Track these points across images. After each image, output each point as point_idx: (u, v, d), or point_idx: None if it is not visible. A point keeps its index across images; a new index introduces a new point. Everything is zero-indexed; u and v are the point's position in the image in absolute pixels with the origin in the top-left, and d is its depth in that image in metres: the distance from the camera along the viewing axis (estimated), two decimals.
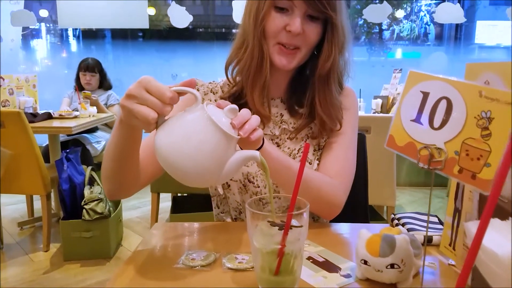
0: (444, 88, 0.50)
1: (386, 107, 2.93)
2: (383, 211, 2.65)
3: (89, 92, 3.34)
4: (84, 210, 2.42)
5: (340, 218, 1.03)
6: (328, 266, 0.74)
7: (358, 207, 1.30)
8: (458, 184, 0.73)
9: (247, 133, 0.71)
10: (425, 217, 0.92)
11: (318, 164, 1.04)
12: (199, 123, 0.65)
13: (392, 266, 0.64)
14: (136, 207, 3.44)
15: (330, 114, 1.00)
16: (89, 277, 2.32)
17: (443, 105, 0.51)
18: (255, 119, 0.74)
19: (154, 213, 2.51)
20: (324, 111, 0.99)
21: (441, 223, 0.90)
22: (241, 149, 0.76)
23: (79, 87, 3.52)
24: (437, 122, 0.52)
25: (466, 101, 0.48)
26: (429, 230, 0.86)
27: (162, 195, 2.66)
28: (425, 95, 0.53)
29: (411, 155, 0.55)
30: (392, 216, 0.94)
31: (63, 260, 2.48)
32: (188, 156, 0.64)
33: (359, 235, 0.69)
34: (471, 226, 0.54)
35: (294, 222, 0.62)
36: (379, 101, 2.95)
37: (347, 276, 0.71)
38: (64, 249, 2.48)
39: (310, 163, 1.03)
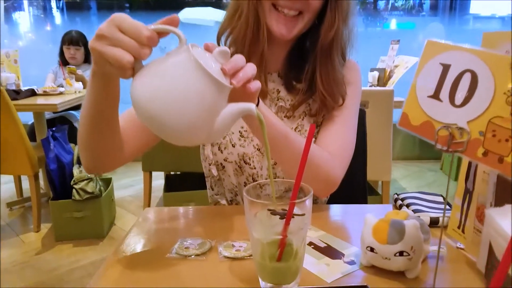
0: (469, 60, 0.44)
1: (383, 80, 2.85)
2: (377, 186, 2.62)
3: (74, 67, 3.20)
4: (74, 190, 2.36)
5: (337, 197, 0.99)
6: (331, 252, 0.70)
7: (356, 186, 1.25)
8: (469, 164, 0.69)
9: (240, 82, 0.61)
10: (430, 197, 0.88)
11: (315, 140, 0.98)
12: (183, 68, 0.55)
13: (401, 253, 0.60)
14: (128, 185, 3.39)
15: (331, 89, 0.93)
16: (82, 257, 2.29)
17: (466, 79, 0.45)
18: (251, 67, 0.64)
19: (147, 193, 2.46)
20: (325, 86, 0.92)
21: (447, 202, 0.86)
22: None
23: (64, 62, 3.38)
24: (459, 98, 0.46)
25: (494, 75, 0.43)
26: (433, 210, 0.82)
27: (154, 173, 2.61)
28: (446, 67, 0.47)
29: (427, 136, 0.50)
30: (396, 196, 0.90)
31: (55, 240, 2.44)
32: (171, 107, 0.55)
33: (365, 221, 0.64)
34: (495, 214, 0.49)
35: (296, 210, 0.57)
36: (376, 73, 2.87)
37: (351, 262, 0.67)
38: (55, 230, 2.43)
39: None
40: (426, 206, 0.83)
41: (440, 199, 0.88)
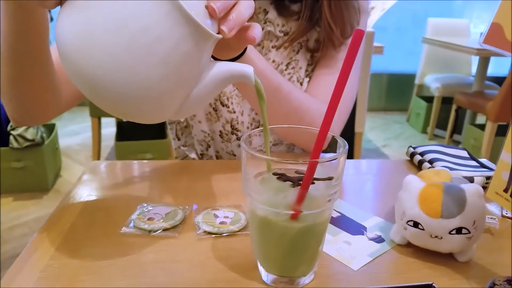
0: None
1: None
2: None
3: None
4: (11, 137, 2.06)
5: None
6: (349, 226, 0.52)
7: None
8: None
9: (234, 30, 0.40)
10: (453, 151, 0.72)
11: (308, 82, 0.77)
12: (143, 1, 0.33)
13: (458, 231, 0.43)
14: (75, 133, 3.06)
15: (342, 18, 0.71)
16: (25, 213, 2.02)
17: None
18: (246, 4, 0.42)
19: (96, 141, 2.20)
20: (334, 13, 0.70)
21: (472, 158, 0.70)
22: (214, 57, 0.47)
23: None
24: None
25: None
26: (463, 168, 0.66)
27: (104, 119, 2.32)
28: None
29: None
30: (411, 150, 0.72)
31: None
32: (120, 61, 0.33)
33: (405, 185, 0.46)
34: None
35: (319, 171, 0.37)
36: None
37: (378, 239, 0.49)
38: None
39: (301, 83, 0.77)
40: (453, 163, 0.66)
41: (465, 153, 0.71)
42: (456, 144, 3.10)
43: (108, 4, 0.33)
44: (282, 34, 0.75)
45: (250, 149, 0.38)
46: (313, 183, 0.37)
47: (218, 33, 0.38)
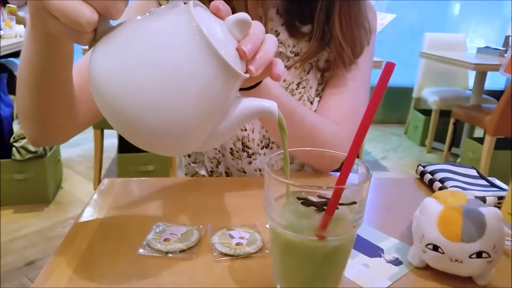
0: None
1: None
2: None
3: (14, 6, 2.77)
4: (14, 149, 2.06)
5: None
6: (366, 247, 0.52)
7: None
8: None
9: (260, 69, 0.41)
10: (462, 170, 0.72)
11: (319, 101, 0.78)
12: (178, 41, 0.35)
13: (479, 255, 0.43)
14: (76, 144, 3.06)
15: (353, 38, 0.72)
16: (25, 224, 2.01)
17: None
18: (271, 42, 0.43)
19: (98, 153, 2.20)
20: (345, 33, 0.71)
21: (482, 177, 0.71)
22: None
23: (2, 1, 2.91)
24: None
25: None
26: (474, 187, 0.66)
27: (106, 131, 2.33)
28: None
29: None
30: (421, 168, 0.73)
31: None
32: (152, 99, 0.34)
33: (423, 208, 0.47)
34: None
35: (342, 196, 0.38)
36: None
37: (396, 262, 0.49)
38: None
39: (311, 102, 0.78)
40: (464, 182, 0.67)
41: (474, 172, 0.72)
42: (454, 157, 3.11)
43: (145, 43, 0.35)
44: (293, 55, 0.76)
45: (273, 173, 0.38)
46: (337, 208, 0.37)
47: (246, 72, 0.40)
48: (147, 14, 0.38)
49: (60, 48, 0.46)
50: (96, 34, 0.37)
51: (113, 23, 0.39)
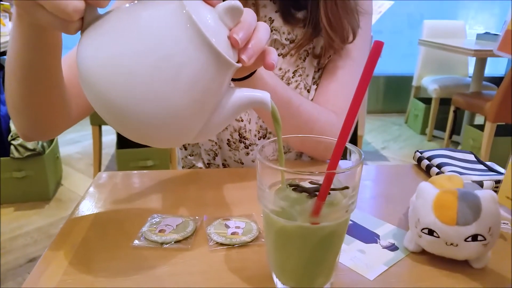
0: None
1: None
2: None
3: (8, 4, 2.75)
4: (12, 147, 2.06)
5: None
6: (362, 233, 0.52)
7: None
8: None
9: (252, 59, 0.40)
10: (460, 155, 0.72)
11: (316, 89, 0.77)
12: (167, 29, 0.34)
13: (474, 238, 0.42)
14: (75, 141, 3.05)
15: (340, 23, 0.70)
16: (26, 222, 2.01)
17: None
18: (264, 30, 0.42)
19: (97, 149, 2.19)
20: (330, 18, 0.69)
21: (480, 161, 0.70)
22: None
23: None
24: None
25: None
26: (472, 172, 0.66)
27: (104, 127, 2.32)
28: None
29: None
30: (418, 154, 0.72)
31: None
32: (143, 89, 0.34)
33: (419, 192, 0.46)
34: None
35: (335, 181, 0.37)
36: None
37: (392, 247, 0.49)
38: None
39: (308, 91, 0.77)
40: (461, 167, 0.66)
41: (472, 157, 0.72)
42: (455, 144, 3.11)
43: (134, 31, 0.34)
44: (288, 42, 0.75)
45: (266, 160, 0.37)
46: (329, 193, 0.37)
47: (238, 61, 0.39)
48: (136, 2, 0.37)
49: (47, 38, 0.45)
50: (83, 23, 0.37)
51: (101, 11, 0.38)
